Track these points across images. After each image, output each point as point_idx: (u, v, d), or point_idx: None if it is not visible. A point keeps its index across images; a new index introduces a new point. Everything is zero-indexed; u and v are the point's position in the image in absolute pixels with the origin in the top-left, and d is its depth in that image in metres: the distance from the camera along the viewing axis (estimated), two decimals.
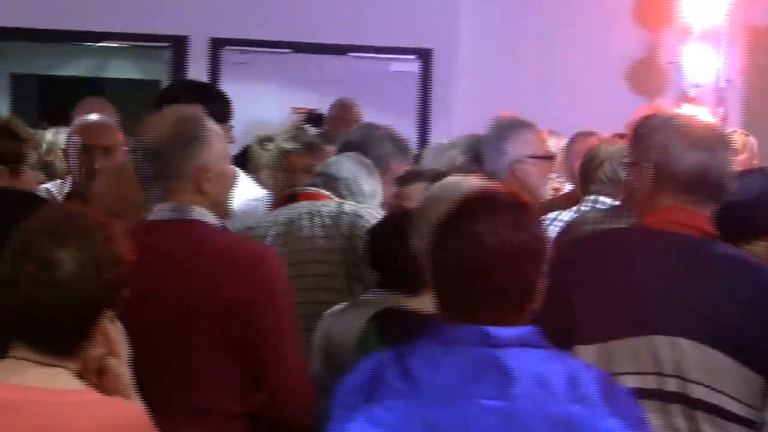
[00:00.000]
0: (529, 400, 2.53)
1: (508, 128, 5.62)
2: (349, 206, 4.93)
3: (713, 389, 3.04)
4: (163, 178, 3.72)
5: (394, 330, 3.55)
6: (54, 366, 2.59)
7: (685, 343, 3.11)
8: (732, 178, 3.49)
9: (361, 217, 4.82)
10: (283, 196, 5.25)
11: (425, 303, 3.31)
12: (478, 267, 2.57)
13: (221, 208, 3.91)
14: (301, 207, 4.95)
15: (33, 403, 2.58)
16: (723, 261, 3.38)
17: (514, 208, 2.66)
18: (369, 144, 5.44)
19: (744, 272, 3.36)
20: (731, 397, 3.08)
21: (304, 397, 3.58)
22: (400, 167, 5.46)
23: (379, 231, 4.09)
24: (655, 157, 3.38)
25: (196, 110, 3.93)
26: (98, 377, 2.75)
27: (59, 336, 2.64)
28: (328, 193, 5.03)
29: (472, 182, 3.82)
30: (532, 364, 2.56)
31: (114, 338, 2.84)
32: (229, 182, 4.02)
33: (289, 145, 5.67)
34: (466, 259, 2.61)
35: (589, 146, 5.94)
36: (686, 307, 3.19)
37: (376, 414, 2.58)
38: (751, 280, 3.30)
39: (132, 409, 2.76)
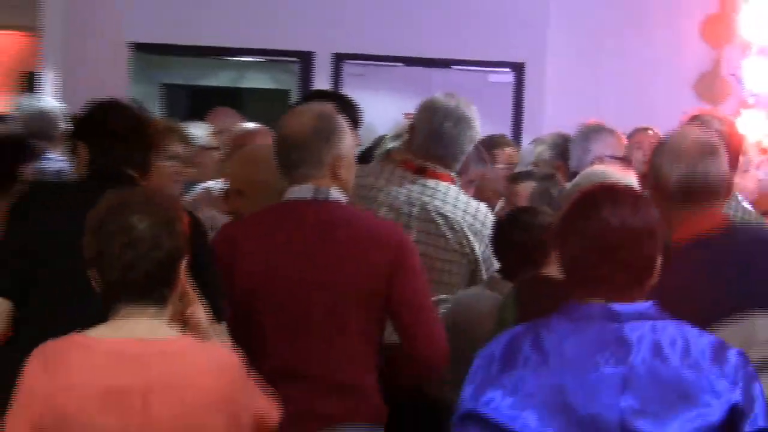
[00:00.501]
0: (644, 366, 2.69)
1: (593, 131, 6.19)
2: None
3: None
4: (303, 164, 3.96)
5: (533, 297, 3.82)
6: (152, 318, 2.86)
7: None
8: (723, 179, 3.72)
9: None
10: None
11: None
12: (605, 245, 2.76)
13: (348, 191, 4.16)
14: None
15: (146, 352, 2.83)
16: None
17: (633, 197, 2.89)
18: None
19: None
20: None
21: (442, 341, 3.81)
22: (477, 173, 5.77)
23: (506, 223, 4.32)
24: (651, 175, 3.77)
25: (331, 108, 4.20)
26: (183, 324, 3.00)
27: (150, 288, 2.86)
28: None
29: (612, 172, 4.44)
30: (649, 334, 2.72)
31: (190, 289, 3.09)
32: (354, 170, 4.31)
33: (392, 144, 5.79)
34: (597, 237, 2.79)
35: (647, 140, 6.32)
36: None
37: (510, 382, 2.77)
38: None
39: (225, 351, 3.03)
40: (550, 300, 3.18)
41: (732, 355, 2.72)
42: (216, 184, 6.07)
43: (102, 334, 2.80)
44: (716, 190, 3.64)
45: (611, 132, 6.18)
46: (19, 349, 3.35)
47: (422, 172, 4.96)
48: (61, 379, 2.78)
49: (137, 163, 3.95)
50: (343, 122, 4.12)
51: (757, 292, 3.43)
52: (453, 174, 5.06)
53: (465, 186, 5.37)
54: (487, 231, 4.82)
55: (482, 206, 5.02)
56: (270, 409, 3.03)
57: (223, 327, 3.37)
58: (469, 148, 5.16)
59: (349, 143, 4.16)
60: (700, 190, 3.64)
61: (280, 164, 4.08)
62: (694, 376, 2.66)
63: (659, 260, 2.83)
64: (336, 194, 3.95)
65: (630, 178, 4.42)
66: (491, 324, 3.86)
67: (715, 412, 2.66)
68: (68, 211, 3.71)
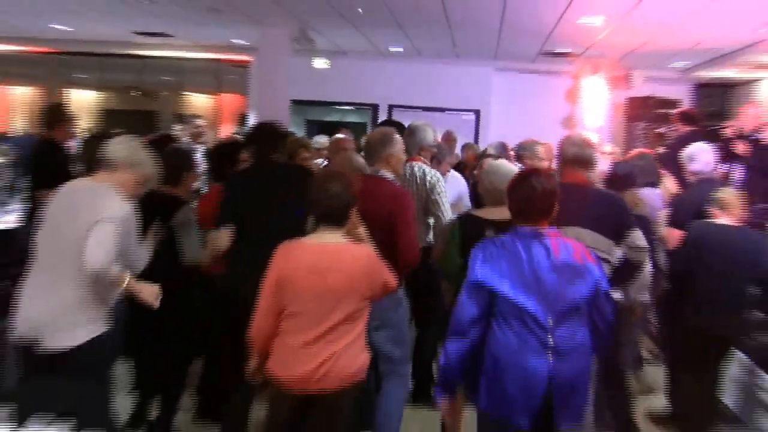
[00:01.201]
0: (559, 259, 4.11)
1: (500, 145, 8.91)
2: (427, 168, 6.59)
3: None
4: (372, 158, 5.56)
5: (471, 224, 5.33)
6: (335, 233, 4.26)
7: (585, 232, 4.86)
8: (593, 159, 5.32)
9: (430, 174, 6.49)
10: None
11: (487, 214, 5.23)
12: (531, 198, 4.24)
13: (399, 175, 5.75)
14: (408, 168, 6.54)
15: (334, 250, 4.21)
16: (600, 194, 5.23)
17: (544, 174, 4.34)
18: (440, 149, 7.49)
19: (610, 199, 5.26)
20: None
21: (415, 250, 5.36)
22: (450, 160, 7.97)
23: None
24: (559, 153, 5.35)
25: (390, 129, 5.73)
26: (350, 236, 4.37)
27: (339, 218, 4.28)
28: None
29: (505, 162, 5.75)
30: (559, 242, 4.16)
31: (355, 220, 4.47)
32: (402, 162, 5.82)
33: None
34: (527, 194, 4.27)
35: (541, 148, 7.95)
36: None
37: (491, 266, 4.21)
38: (613, 203, 5.21)
39: (371, 250, 4.37)
40: (473, 226, 5.12)
41: (592, 253, 4.25)
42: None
43: (310, 240, 4.21)
44: (587, 163, 5.35)
45: (506, 146, 8.64)
46: (238, 260, 5.22)
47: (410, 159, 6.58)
48: (289, 260, 4.19)
49: (285, 154, 5.32)
50: (395, 134, 5.66)
51: (584, 216, 4.98)
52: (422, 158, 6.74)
53: (436, 165, 7.06)
54: (438, 184, 6.55)
55: (437, 173, 6.58)
56: (391, 279, 4.41)
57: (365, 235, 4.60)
58: (426, 144, 6.91)
59: (398, 147, 5.72)
60: (580, 161, 5.30)
61: (365, 157, 5.65)
62: (580, 263, 4.15)
63: (556, 205, 4.27)
64: (384, 173, 5.54)
65: (514, 168, 5.61)
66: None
67: (591, 282, 4.15)
68: (253, 182, 5.49)
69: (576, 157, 5.24)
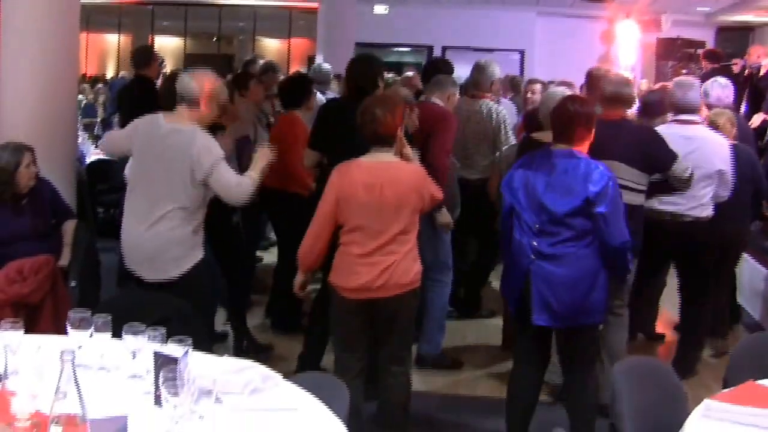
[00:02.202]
0: (556, 174, 4.43)
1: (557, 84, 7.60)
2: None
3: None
4: (433, 92, 6.36)
5: (529, 146, 5.43)
6: (387, 152, 4.47)
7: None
8: (631, 96, 5.46)
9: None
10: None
11: (545, 137, 5.23)
12: (567, 120, 4.52)
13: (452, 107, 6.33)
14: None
15: (386, 167, 4.43)
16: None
17: (581, 100, 4.66)
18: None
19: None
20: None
21: (440, 161, 5.79)
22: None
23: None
24: (597, 89, 5.50)
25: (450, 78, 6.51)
26: (401, 155, 4.56)
27: (385, 140, 4.46)
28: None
29: (563, 89, 5.93)
30: (564, 164, 4.43)
31: (402, 139, 4.58)
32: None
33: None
34: (564, 116, 4.55)
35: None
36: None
37: (514, 179, 4.60)
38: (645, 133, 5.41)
39: (419, 166, 4.61)
40: (533, 148, 5.17)
41: (598, 171, 4.38)
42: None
43: (365, 159, 4.45)
44: (625, 101, 5.45)
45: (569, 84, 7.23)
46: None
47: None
48: (346, 177, 4.44)
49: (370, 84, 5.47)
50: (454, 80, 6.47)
51: (624, 153, 5.15)
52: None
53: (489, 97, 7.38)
54: (505, 121, 7.08)
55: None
56: (437, 191, 4.63)
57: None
58: (496, 79, 7.23)
59: (455, 89, 6.52)
60: (618, 99, 5.41)
61: (425, 91, 6.53)
62: (574, 182, 4.38)
63: (592, 130, 4.52)
64: (437, 101, 6.30)
65: (568, 91, 5.85)
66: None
67: (579, 199, 4.34)
68: (337, 110, 5.83)
69: (614, 95, 5.36)
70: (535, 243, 4.43)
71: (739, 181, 6.13)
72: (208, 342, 3.53)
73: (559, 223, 4.37)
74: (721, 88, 7.14)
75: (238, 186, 4.69)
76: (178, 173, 4.63)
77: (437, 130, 5.76)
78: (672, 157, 5.28)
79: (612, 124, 5.15)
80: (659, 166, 5.28)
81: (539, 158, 4.51)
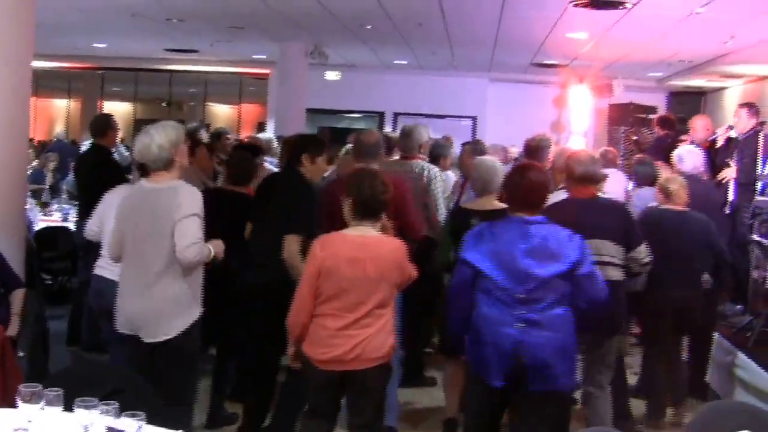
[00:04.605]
0: (537, 243, 4.34)
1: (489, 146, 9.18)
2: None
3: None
4: (366, 157, 5.89)
5: (460, 215, 5.82)
6: (371, 227, 4.42)
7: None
8: (600, 174, 5.51)
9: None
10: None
11: (473, 205, 5.63)
12: (525, 189, 4.50)
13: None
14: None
15: (370, 242, 4.42)
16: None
17: (538, 168, 4.66)
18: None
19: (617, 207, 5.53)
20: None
21: (418, 226, 5.92)
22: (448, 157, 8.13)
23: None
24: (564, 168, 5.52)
25: (378, 133, 6.42)
26: (384, 230, 4.53)
27: (375, 213, 4.44)
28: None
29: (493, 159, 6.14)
30: (541, 230, 4.38)
31: (386, 217, 4.61)
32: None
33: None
34: (521, 185, 4.52)
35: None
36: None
37: (479, 249, 4.45)
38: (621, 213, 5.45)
39: (398, 241, 4.55)
40: (461, 216, 5.61)
41: (577, 238, 4.41)
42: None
43: (349, 232, 4.44)
44: (597, 179, 5.48)
45: (503, 148, 9.09)
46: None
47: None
48: (329, 250, 4.38)
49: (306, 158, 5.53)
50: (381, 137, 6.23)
51: (606, 229, 5.24)
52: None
53: (436, 162, 7.58)
54: (435, 179, 6.96)
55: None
56: (412, 270, 4.61)
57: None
58: (423, 142, 7.34)
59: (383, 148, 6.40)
60: (590, 178, 5.43)
61: (357, 156, 6.09)
62: (558, 248, 4.34)
63: (548, 197, 4.54)
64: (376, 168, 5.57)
65: (497, 158, 6.43)
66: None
67: (566, 264, 4.32)
68: (276, 184, 5.87)
69: (585, 175, 5.37)
70: (520, 312, 4.29)
71: (690, 249, 6.20)
72: (161, 415, 3.34)
73: (546, 289, 4.28)
74: (696, 156, 7.15)
75: (194, 245, 4.56)
76: (167, 230, 4.56)
77: (398, 196, 5.32)
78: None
79: (587, 202, 5.29)
80: (632, 243, 5.29)
81: (504, 227, 4.43)
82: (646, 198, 7.26)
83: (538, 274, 4.27)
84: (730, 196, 8.49)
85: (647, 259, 5.39)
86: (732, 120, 9.07)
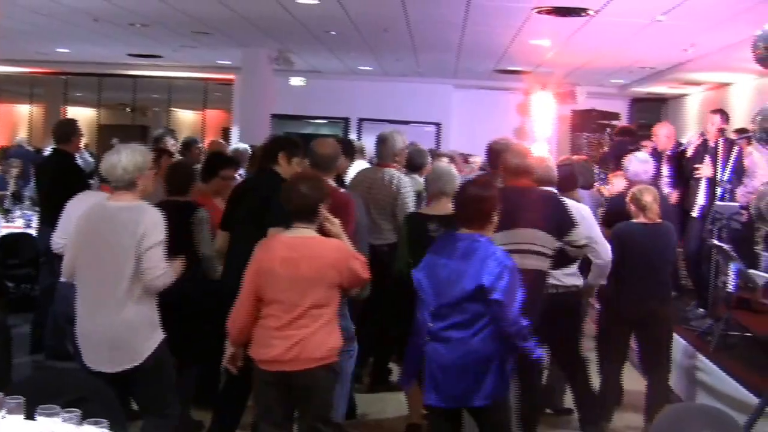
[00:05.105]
0: (455, 259, 4.38)
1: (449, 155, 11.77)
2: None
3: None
4: (326, 168, 5.60)
5: (415, 221, 5.90)
6: (307, 228, 4.46)
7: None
8: (533, 167, 5.44)
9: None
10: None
11: (430, 210, 5.72)
12: (462, 203, 4.53)
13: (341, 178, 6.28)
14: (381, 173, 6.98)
15: (305, 242, 4.43)
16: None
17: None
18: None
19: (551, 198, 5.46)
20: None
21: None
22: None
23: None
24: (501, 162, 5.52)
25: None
26: (321, 231, 4.53)
27: (310, 215, 4.46)
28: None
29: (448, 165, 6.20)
30: (469, 248, 4.36)
31: (328, 216, 4.58)
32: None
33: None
34: (459, 200, 4.56)
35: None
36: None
37: (429, 254, 4.56)
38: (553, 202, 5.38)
39: (340, 242, 4.56)
40: (418, 222, 5.69)
41: (495, 258, 4.31)
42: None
43: (285, 234, 4.50)
44: (530, 171, 5.48)
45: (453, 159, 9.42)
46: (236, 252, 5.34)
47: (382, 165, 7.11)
48: (266, 252, 4.49)
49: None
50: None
51: (538, 219, 5.22)
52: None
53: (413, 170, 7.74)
54: (403, 188, 6.90)
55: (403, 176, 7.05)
56: (362, 269, 4.55)
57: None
58: (398, 150, 7.21)
59: (343, 159, 6.24)
60: (523, 170, 5.45)
61: (315, 167, 5.67)
62: (471, 268, 4.32)
63: (494, 213, 4.47)
64: (330, 181, 5.55)
65: (453, 165, 6.40)
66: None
67: (471, 286, 4.30)
68: (247, 188, 5.82)
69: (518, 167, 5.38)
70: (431, 324, 4.39)
71: (657, 261, 6.20)
72: (124, 423, 3.39)
73: (453, 307, 4.31)
74: (640, 163, 7.01)
75: (164, 276, 4.60)
76: (128, 254, 4.51)
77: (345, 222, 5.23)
78: (573, 222, 5.35)
79: (521, 190, 5.28)
80: (564, 230, 5.30)
81: (443, 242, 4.50)
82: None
83: (446, 291, 4.34)
84: (701, 200, 8.57)
85: (583, 242, 5.42)
86: (695, 126, 9.16)
